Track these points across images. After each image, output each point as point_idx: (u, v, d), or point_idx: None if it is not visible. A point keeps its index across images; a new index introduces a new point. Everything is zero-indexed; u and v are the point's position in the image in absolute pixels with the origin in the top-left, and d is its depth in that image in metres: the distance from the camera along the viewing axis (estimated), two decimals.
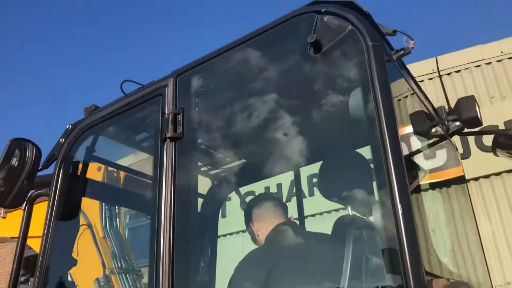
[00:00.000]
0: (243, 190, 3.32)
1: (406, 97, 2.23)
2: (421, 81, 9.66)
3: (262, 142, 2.40)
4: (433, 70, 9.17)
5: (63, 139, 2.49)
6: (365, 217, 1.82)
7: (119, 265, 4.13)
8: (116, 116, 2.36)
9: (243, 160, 2.96)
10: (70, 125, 2.53)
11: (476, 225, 2.51)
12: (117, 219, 4.37)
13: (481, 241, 2.48)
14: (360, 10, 1.79)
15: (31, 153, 2.44)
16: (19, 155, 2.40)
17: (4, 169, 2.37)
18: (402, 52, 1.81)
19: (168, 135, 2.00)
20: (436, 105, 2.47)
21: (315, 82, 1.97)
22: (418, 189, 2.64)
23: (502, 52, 8.69)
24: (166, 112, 2.06)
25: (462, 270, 2.36)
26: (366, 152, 1.72)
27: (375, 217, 1.55)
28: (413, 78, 2.28)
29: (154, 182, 1.99)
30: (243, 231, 2.68)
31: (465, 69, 8.90)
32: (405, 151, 2.62)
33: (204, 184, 3.38)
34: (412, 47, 1.81)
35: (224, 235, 4.32)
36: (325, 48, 1.74)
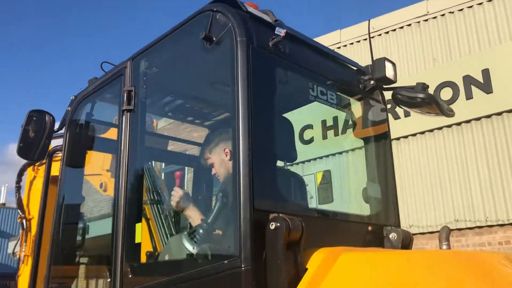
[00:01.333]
0: None
1: None
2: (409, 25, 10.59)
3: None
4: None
5: (69, 108, 3.28)
6: None
7: (151, 197, 4.97)
8: (100, 90, 3.09)
9: None
10: (73, 96, 3.32)
11: (393, 174, 2.95)
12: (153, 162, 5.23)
13: (395, 187, 2.94)
14: (240, 8, 2.27)
15: (48, 119, 3.28)
16: (39, 121, 3.24)
17: (30, 133, 3.23)
18: (275, 39, 2.27)
19: (123, 108, 2.69)
20: None
21: (208, 69, 2.51)
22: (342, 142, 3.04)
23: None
24: (123, 89, 2.74)
25: (372, 211, 2.86)
26: None
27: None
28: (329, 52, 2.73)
29: (117, 143, 2.72)
30: None
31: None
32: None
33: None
34: (283, 35, 2.27)
35: None
36: (214, 41, 2.27)
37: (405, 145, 10.21)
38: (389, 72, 2.77)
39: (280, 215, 1.98)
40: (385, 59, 2.78)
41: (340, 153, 8.46)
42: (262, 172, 2.11)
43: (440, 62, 10.06)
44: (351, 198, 2.97)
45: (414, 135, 10.04)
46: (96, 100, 3.20)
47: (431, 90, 9.91)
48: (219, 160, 2.77)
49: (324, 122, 9.22)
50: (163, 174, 4.68)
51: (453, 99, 9.54)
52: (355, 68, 2.91)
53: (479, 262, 2.36)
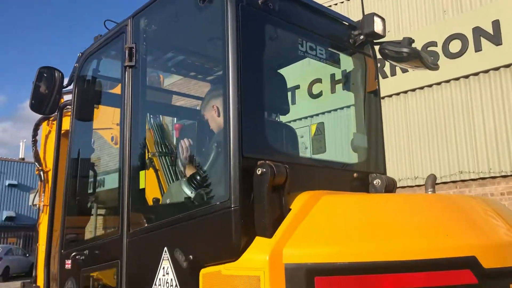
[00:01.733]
0: None
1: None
2: None
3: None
4: None
5: (77, 64, 3.47)
6: None
7: (160, 150, 5.19)
8: (104, 47, 3.26)
9: None
10: (80, 53, 3.49)
11: (381, 125, 3.11)
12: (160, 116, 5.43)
13: (383, 137, 3.12)
14: None
15: (57, 75, 3.47)
16: (49, 77, 3.43)
17: (41, 89, 3.43)
18: None
19: (125, 64, 2.86)
20: None
21: (203, 26, 2.65)
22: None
23: None
24: (125, 46, 2.90)
25: (360, 159, 3.05)
26: None
27: None
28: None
29: (121, 98, 2.92)
30: None
31: None
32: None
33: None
34: None
35: None
36: (206, 0, 2.40)
37: (413, 99, 10.26)
38: (377, 27, 2.88)
39: (267, 162, 2.17)
40: (374, 14, 2.88)
41: (348, 106, 8.57)
42: (251, 123, 2.30)
43: (450, 14, 9.93)
44: (343, 148, 3.15)
45: (421, 88, 10.07)
46: (102, 57, 3.38)
47: (440, 43, 9.90)
48: (211, 117, 2.94)
49: (333, 76, 9.28)
50: (168, 126, 4.88)
51: (461, 52, 9.49)
52: (346, 24, 3.02)
53: (457, 205, 2.55)
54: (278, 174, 2.14)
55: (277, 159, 2.24)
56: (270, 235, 2.06)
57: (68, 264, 3.11)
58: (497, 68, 9.14)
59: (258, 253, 2.02)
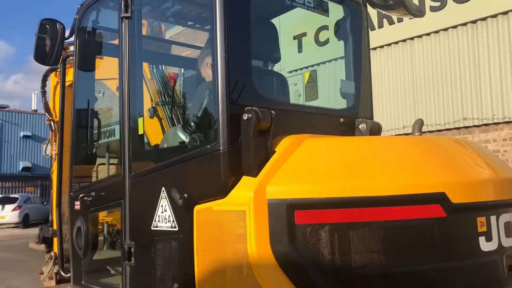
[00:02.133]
0: None
1: None
2: None
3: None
4: None
5: (77, 16, 3.57)
6: None
7: (163, 99, 5.34)
8: None
9: None
10: (80, 5, 3.59)
11: (370, 71, 3.21)
12: (163, 66, 5.55)
13: (371, 84, 3.22)
14: None
15: (59, 27, 3.59)
16: (51, 29, 3.55)
17: (44, 40, 3.56)
18: None
19: (122, 15, 2.98)
20: None
21: None
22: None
23: None
24: None
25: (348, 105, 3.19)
26: None
27: None
28: None
29: (118, 49, 3.06)
30: None
31: None
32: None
33: None
34: None
35: None
36: None
37: (419, 45, 10.18)
38: None
39: (253, 108, 2.32)
40: None
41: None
42: (239, 71, 2.44)
43: None
44: (333, 95, 3.27)
45: (428, 34, 9.97)
46: (100, 8, 3.47)
47: None
48: (206, 74, 3.04)
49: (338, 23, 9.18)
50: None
51: None
52: None
53: (437, 146, 2.69)
54: (263, 119, 2.30)
55: (264, 106, 2.39)
56: (255, 175, 2.25)
57: (77, 205, 3.37)
58: (505, 13, 8.99)
59: (244, 191, 2.23)
